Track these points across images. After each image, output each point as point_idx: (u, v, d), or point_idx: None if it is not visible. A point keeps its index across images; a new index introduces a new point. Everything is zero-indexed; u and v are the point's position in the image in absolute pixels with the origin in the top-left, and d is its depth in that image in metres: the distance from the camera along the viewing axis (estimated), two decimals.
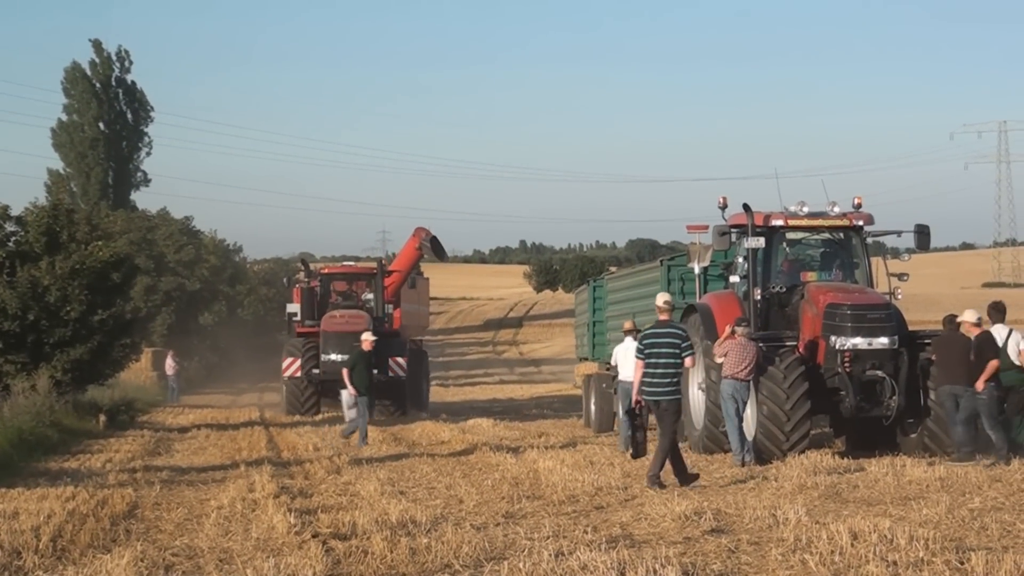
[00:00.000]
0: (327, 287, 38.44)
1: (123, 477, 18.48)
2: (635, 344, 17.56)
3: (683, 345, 16.01)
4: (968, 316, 18.43)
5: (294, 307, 38.60)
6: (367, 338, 26.01)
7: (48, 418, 26.37)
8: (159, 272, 65.87)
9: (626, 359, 21.06)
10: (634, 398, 16.45)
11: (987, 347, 17.86)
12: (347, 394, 25.55)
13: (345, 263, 40.51)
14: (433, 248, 40.22)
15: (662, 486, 15.42)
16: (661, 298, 16.67)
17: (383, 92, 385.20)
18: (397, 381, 35.16)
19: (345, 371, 25.07)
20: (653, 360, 15.98)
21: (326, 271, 39.81)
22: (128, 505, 15.19)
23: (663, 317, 16.41)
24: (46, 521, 13.48)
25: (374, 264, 39.37)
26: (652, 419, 16.75)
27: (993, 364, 17.68)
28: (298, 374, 35.63)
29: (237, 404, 47.44)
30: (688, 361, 16.23)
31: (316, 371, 35.35)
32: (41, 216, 32.32)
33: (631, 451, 17.11)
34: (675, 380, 16.04)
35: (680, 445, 16.61)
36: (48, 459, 22.31)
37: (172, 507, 15.26)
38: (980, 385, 17.65)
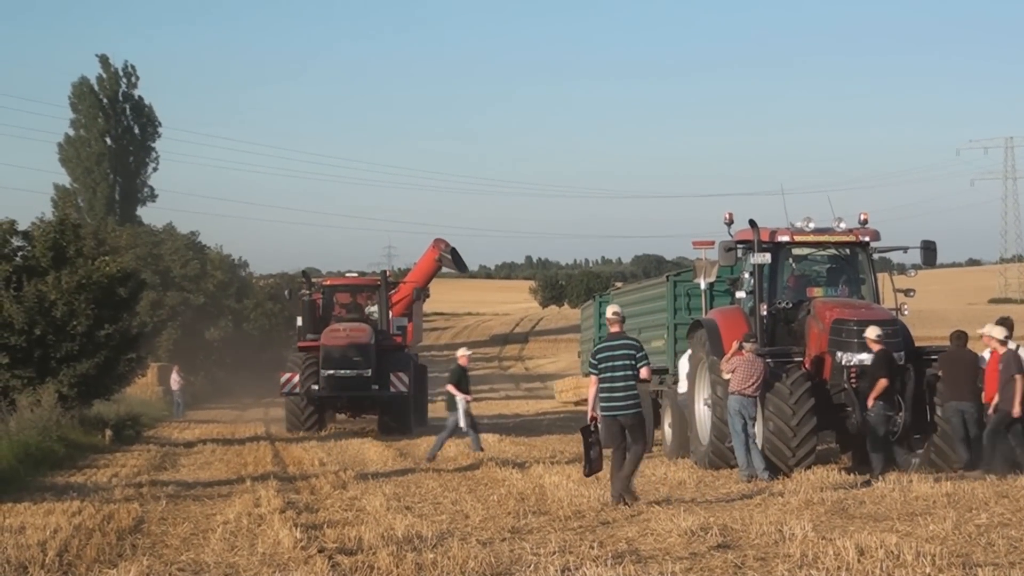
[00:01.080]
0: (330, 300, 36.99)
1: (129, 492, 18.48)
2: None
3: (638, 356, 15.52)
4: (995, 332, 18.19)
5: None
6: (463, 353, 25.22)
7: (54, 433, 26.41)
8: (165, 287, 65.98)
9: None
10: (589, 415, 15.78)
11: (1014, 365, 17.76)
12: (461, 405, 24.23)
13: (348, 275, 39.08)
14: (454, 260, 39.25)
15: (635, 498, 15.30)
16: (611, 309, 16.17)
17: (389, 107, 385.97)
18: (400, 397, 33.69)
19: (451, 386, 24.36)
20: (609, 375, 15.49)
21: (328, 283, 38.25)
22: (134, 520, 15.19)
23: (614, 329, 15.88)
24: (52, 536, 13.50)
25: (378, 276, 38.01)
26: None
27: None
28: (297, 390, 33.92)
29: (243, 419, 47.42)
30: (644, 372, 15.62)
31: (316, 387, 33.64)
32: (48, 231, 32.38)
33: (584, 468, 15.98)
34: (634, 394, 15.57)
35: (684, 460, 16.55)
36: (54, 474, 22.33)
37: (178, 522, 15.26)
38: (1017, 410, 17.56)
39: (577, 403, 42.75)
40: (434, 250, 40.15)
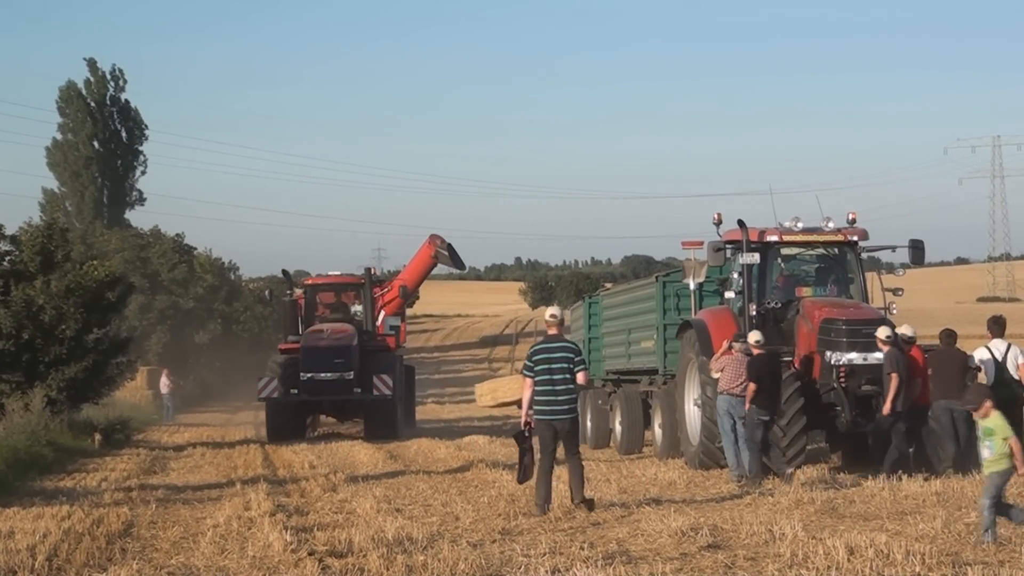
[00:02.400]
0: (313, 299, 35.03)
1: (119, 496, 18.44)
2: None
3: (576, 359, 15.08)
4: (904, 330, 18.65)
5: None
6: None
7: (43, 437, 26.33)
8: (153, 290, 65.86)
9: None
10: (523, 418, 15.25)
11: (889, 363, 18.11)
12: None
13: (331, 273, 36.37)
14: (451, 257, 37.41)
15: (591, 507, 14.83)
16: (549, 311, 15.59)
17: (377, 109, 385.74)
18: (384, 401, 32.00)
19: None
20: (545, 378, 14.95)
21: (310, 282, 35.90)
22: (124, 524, 15.16)
23: (553, 331, 15.31)
24: (42, 540, 13.46)
25: (362, 275, 35.87)
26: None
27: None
28: (275, 395, 32.06)
29: (233, 422, 47.34)
30: (580, 377, 15.14)
31: (295, 391, 31.90)
32: (35, 235, 32.31)
33: (518, 475, 15.36)
34: (572, 398, 15.04)
35: (675, 460, 16.49)
36: (43, 478, 22.28)
37: (168, 525, 15.23)
38: (887, 408, 17.96)
39: (495, 406, 40.64)
40: (429, 247, 38.23)
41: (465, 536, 13.19)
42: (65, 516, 15.62)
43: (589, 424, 27.79)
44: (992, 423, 12.05)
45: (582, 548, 12.00)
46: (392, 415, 32.40)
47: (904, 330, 18.84)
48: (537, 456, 15.09)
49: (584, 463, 15.63)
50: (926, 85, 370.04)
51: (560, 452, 15.25)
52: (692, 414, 20.58)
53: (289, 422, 32.38)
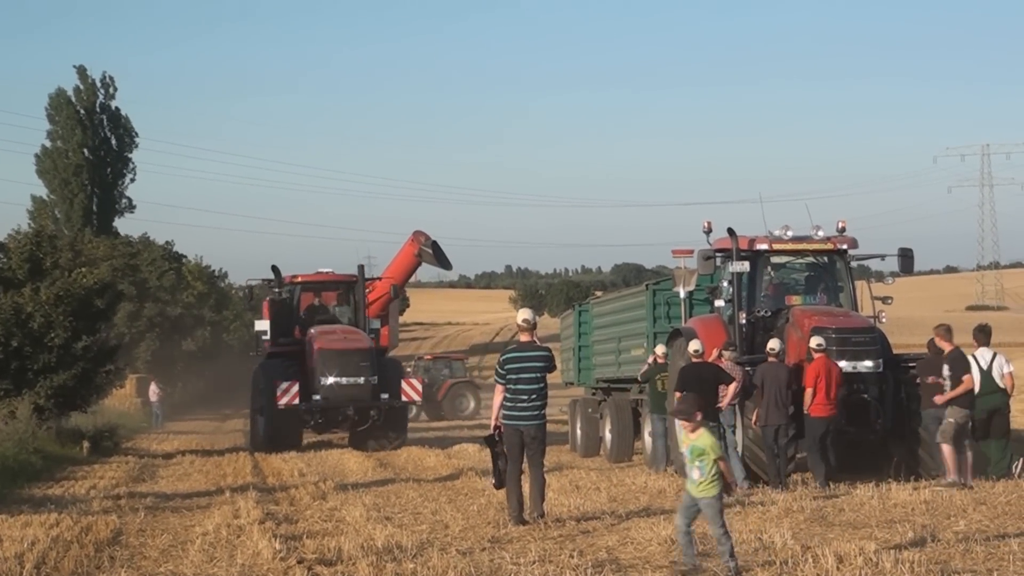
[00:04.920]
0: (297, 298, 32.80)
1: (107, 504, 18.38)
2: None
3: (548, 367, 14.88)
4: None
5: (265, 324, 33.04)
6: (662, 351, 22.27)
7: (31, 445, 26.26)
8: (142, 298, 65.73)
9: None
10: (492, 424, 15.12)
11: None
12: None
13: (320, 271, 34.00)
14: (435, 255, 35.25)
15: (542, 515, 14.69)
16: (521, 315, 15.22)
17: (367, 117, 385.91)
18: (404, 408, 30.53)
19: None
20: (514, 386, 14.75)
21: (300, 279, 33.26)
22: (112, 532, 15.11)
23: (524, 338, 15.02)
24: (30, 548, 13.41)
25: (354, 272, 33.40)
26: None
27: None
28: (295, 401, 29.81)
29: (222, 430, 47.27)
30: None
31: (316, 397, 29.98)
32: (24, 243, 32.30)
33: (493, 481, 15.21)
34: (541, 404, 14.86)
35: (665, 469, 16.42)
36: (31, 486, 22.20)
37: (157, 533, 15.18)
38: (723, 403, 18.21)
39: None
40: (413, 244, 35.84)
41: (454, 544, 13.16)
42: (53, 524, 15.56)
43: (579, 432, 27.80)
44: (703, 442, 10.93)
45: (571, 556, 11.98)
46: (406, 419, 31.42)
47: (694, 345, 18.86)
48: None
49: (575, 471, 15.64)
50: (915, 94, 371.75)
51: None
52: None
53: (298, 430, 30.55)
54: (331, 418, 30.81)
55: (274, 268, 32.76)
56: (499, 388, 14.99)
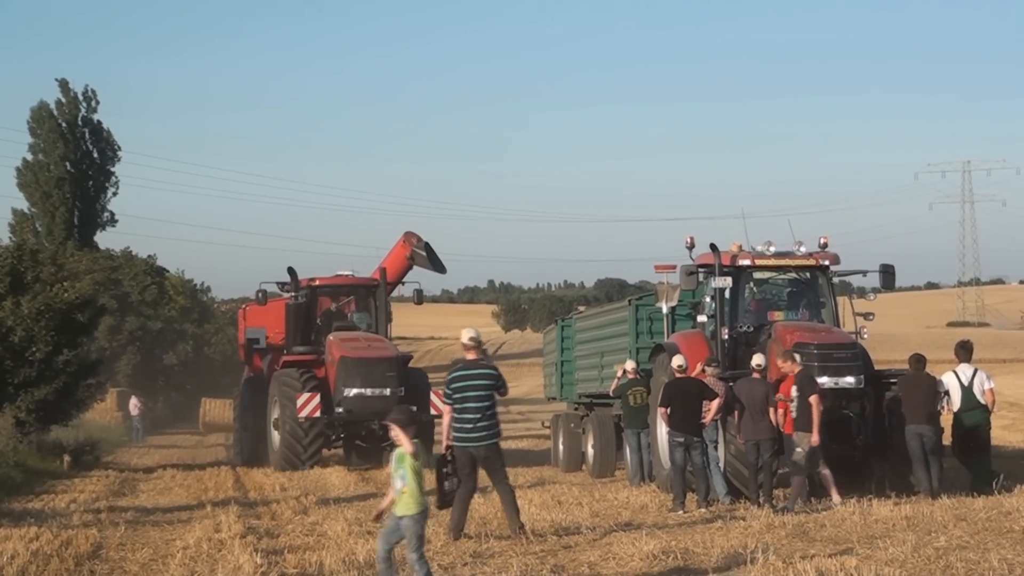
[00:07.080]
0: (313, 302, 30.76)
1: (88, 517, 18.32)
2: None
3: (496, 385, 14.77)
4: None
5: (257, 331, 31.22)
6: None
7: (12, 459, 26.18)
8: (124, 312, 65.54)
9: None
10: (444, 444, 14.95)
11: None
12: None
13: (339, 273, 31.76)
14: (429, 258, 32.94)
15: (522, 527, 14.67)
16: (466, 334, 15.05)
17: (347, 131, 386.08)
18: (430, 423, 27.81)
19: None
20: (461, 405, 14.59)
21: (319, 282, 30.95)
22: (92, 546, 15.05)
23: (471, 356, 14.89)
24: (9, 562, 13.36)
25: (376, 276, 31.37)
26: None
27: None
28: (317, 414, 27.72)
29: (203, 444, 47.12)
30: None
31: (339, 410, 27.99)
32: (5, 256, 32.12)
33: (437, 500, 14.68)
34: (491, 424, 14.67)
35: (647, 484, 16.40)
36: (11, 499, 22.10)
37: (137, 548, 15.13)
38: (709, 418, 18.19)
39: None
40: (404, 246, 33.16)
41: (436, 559, 13.14)
42: (33, 538, 15.49)
43: (561, 447, 27.77)
44: (404, 448, 10.55)
45: (553, 571, 11.99)
46: (432, 435, 27.76)
47: (678, 360, 18.74)
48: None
49: (557, 486, 15.63)
50: (896, 110, 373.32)
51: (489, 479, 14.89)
52: (665, 438, 20.56)
53: (318, 446, 28.20)
54: (354, 433, 28.94)
55: (290, 270, 30.67)
56: (447, 408, 14.80)
